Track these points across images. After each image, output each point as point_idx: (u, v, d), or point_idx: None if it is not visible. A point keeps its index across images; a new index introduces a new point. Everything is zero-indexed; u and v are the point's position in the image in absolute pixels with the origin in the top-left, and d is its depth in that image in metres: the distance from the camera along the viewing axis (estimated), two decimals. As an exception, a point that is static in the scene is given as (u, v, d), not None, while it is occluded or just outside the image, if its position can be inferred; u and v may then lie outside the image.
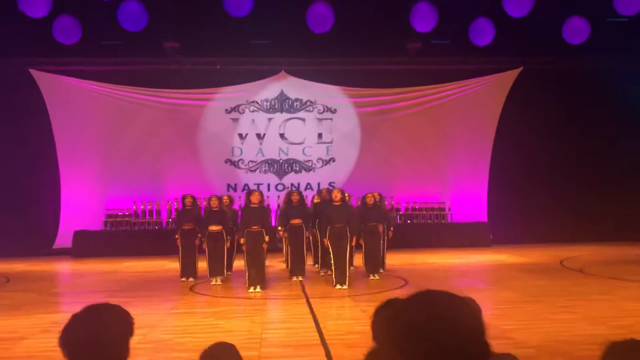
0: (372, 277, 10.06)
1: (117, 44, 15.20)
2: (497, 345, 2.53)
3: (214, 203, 10.03)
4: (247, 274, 9.17)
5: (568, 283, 9.34)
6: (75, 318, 1.82)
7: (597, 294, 8.27)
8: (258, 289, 9.05)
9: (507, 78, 16.45)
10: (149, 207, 15.86)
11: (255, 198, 9.34)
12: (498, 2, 12.58)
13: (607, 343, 1.74)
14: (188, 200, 10.50)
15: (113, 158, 15.89)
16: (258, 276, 9.14)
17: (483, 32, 13.94)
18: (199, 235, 10.19)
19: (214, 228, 9.89)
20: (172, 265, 12.44)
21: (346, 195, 10.07)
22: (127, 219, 15.74)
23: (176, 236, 10.44)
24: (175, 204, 15.65)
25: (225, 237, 9.97)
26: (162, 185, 15.98)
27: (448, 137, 16.63)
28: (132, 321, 1.87)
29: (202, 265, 10.39)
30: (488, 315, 7.04)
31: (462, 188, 16.60)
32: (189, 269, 10.29)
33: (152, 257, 13.95)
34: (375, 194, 10.64)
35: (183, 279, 10.22)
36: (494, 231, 15.89)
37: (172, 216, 15.17)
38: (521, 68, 16.26)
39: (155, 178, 15.95)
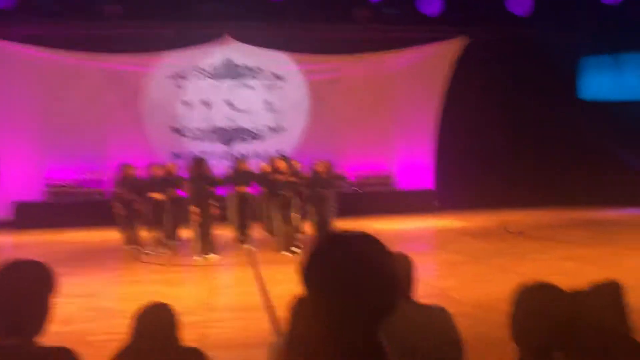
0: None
1: (54, 6, 14.50)
2: (436, 302, 2.62)
3: (158, 171, 9.83)
4: (197, 242, 9.21)
5: (507, 245, 9.71)
6: None
7: (532, 253, 8.64)
8: (210, 254, 9.11)
9: (453, 47, 16.64)
10: (90, 176, 15.41)
11: (205, 167, 9.38)
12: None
13: (519, 287, 1.83)
14: (129, 170, 10.24)
15: (52, 126, 15.28)
16: (208, 243, 9.19)
17: (431, 2, 14.04)
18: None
19: (157, 196, 9.71)
20: (118, 235, 12.22)
21: (297, 163, 10.12)
22: (69, 188, 15.27)
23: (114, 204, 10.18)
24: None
25: (170, 205, 9.82)
26: (104, 154, 15.50)
27: (395, 105, 16.77)
28: (52, 278, 1.83)
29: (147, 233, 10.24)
30: (429, 275, 7.27)
31: (410, 156, 16.84)
32: (133, 238, 10.13)
33: (96, 228, 13.61)
34: (325, 162, 10.68)
35: (126, 247, 10.05)
36: (440, 198, 16.26)
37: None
38: (466, 37, 16.47)
39: (97, 147, 15.45)
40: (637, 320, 2.33)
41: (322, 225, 10.43)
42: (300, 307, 1.89)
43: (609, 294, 2.47)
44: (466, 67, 16.43)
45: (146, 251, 9.84)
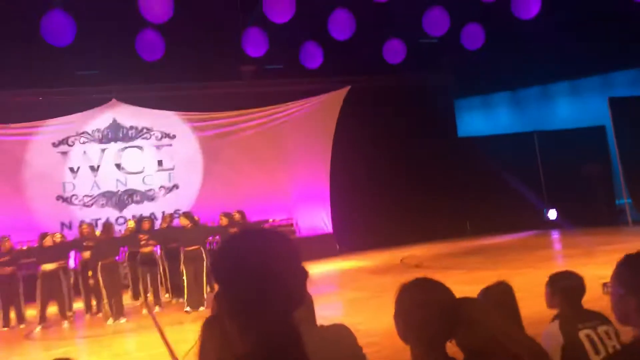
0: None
1: None
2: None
3: (48, 240, 9.33)
4: (104, 308, 8.92)
5: (407, 277, 10.04)
6: None
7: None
8: (122, 320, 8.83)
9: (338, 96, 17.42)
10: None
11: (109, 231, 9.32)
12: (324, 27, 13.37)
13: (400, 285, 1.97)
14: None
15: None
16: (117, 307, 8.91)
17: (312, 56, 14.64)
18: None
19: (48, 267, 9.17)
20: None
21: (195, 217, 10.04)
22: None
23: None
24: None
25: (61, 276, 9.29)
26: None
27: (288, 155, 17.13)
28: None
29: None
30: (336, 314, 7.40)
31: (307, 202, 17.15)
32: (16, 316, 9.44)
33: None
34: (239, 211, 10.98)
35: (6, 329, 9.30)
36: (339, 240, 16.63)
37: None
38: (348, 87, 17.33)
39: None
40: (527, 327, 2.55)
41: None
42: (209, 327, 1.94)
43: (500, 293, 2.71)
44: (351, 114, 17.21)
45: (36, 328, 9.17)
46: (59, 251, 9.44)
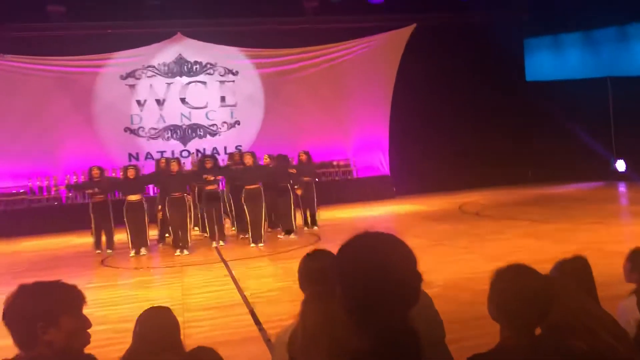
0: (281, 237, 10.31)
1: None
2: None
3: (131, 173, 9.75)
4: (172, 239, 9.43)
5: (467, 226, 10.07)
6: (8, 298, 1.80)
7: (492, 233, 9.02)
8: (185, 252, 9.30)
9: (402, 34, 16.93)
10: (45, 182, 15.03)
11: (174, 166, 9.53)
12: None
13: (495, 270, 2.02)
14: (95, 172, 10.13)
15: (1, 133, 14.80)
16: (183, 240, 9.35)
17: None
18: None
19: (133, 198, 9.64)
20: (78, 240, 12.06)
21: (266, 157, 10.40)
22: (22, 196, 14.86)
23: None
24: (75, 177, 14.98)
25: (144, 207, 9.76)
26: (57, 159, 15.15)
27: (349, 94, 16.98)
28: (80, 293, 1.88)
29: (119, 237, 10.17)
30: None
31: (365, 144, 17.12)
32: (107, 241, 10.07)
33: (54, 234, 13.35)
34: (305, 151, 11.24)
35: (97, 252, 9.96)
36: (397, 183, 16.63)
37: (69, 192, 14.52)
38: (414, 25, 16.79)
39: (50, 151, 15.06)
40: (600, 290, 2.56)
41: (311, 214, 10.84)
42: (311, 301, 2.02)
43: (578, 269, 2.70)
44: (416, 53, 16.76)
45: (114, 255, 9.78)
46: (142, 183, 9.91)
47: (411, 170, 16.87)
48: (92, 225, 10.08)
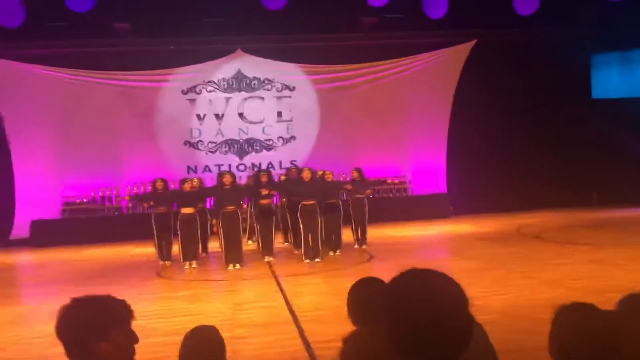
0: (333, 254, 10.20)
1: (63, 26, 14.67)
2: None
3: (187, 186, 9.96)
4: (224, 253, 9.46)
5: (526, 249, 9.70)
6: (61, 311, 1.84)
7: (554, 258, 8.63)
8: (237, 266, 9.40)
9: (462, 51, 16.67)
10: (107, 192, 15.56)
11: (227, 179, 9.61)
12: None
13: (556, 306, 1.89)
14: (159, 184, 10.39)
15: (68, 144, 15.47)
16: (236, 253, 9.44)
17: (436, 5, 14.10)
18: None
19: (186, 211, 9.82)
20: (137, 250, 12.37)
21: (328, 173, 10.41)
22: (85, 205, 15.42)
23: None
24: (135, 188, 15.44)
25: (198, 220, 9.93)
26: (120, 170, 15.69)
27: (406, 111, 16.82)
28: (128, 308, 1.90)
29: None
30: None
31: (422, 161, 16.88)
32: (165, 253, 10.28)
33: (114, 244, 13.76)
34: (357, 168, 11.16)
35: (161, 263, 10.18)
36: (453, 202, 16.27)
37: (131, 202, 15.03)
38: (475, 41, 16.50)
39: (113, 163, 15.63)
40: None
41: (362, 231, 10.70)
42: (354, 342, 1.93)
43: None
44: (475, 70, 16.45)
45: (170, 267, 9.97)
46: (196, 196, 10.07)
47: (469, 189, 16.48)
48: (155, 236, 10.29)
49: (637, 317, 2.33)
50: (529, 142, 16.79)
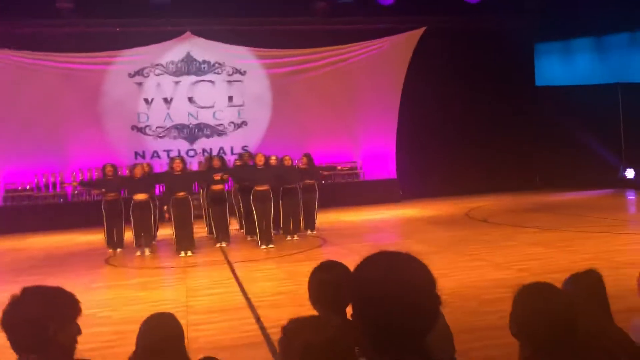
0: (290, 238, 10.24)
1: (2, 4, 13.98)
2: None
3: (138, 171, 9.71)
4: (175, 240, 9.33)
5: (474, 232, 9.97)
6: (14, 301, 1.81)
7: (500, 241, 8.91)
8: (189, 253, 9.25)
9: (411, 38, 16.85)
10: (52, 179, 15.03)
11: (177, 165, 9.45)
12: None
13: (517, 286, 1.96)
14: (109, 169, 10.11)
15: (7, 129, 14.80)
16: (187, 240, 9.30)
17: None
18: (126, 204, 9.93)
19: (139, 197, 9.59)
20: (83, 238, 12.05)
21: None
22: (28, 192, 14.86)
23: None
24: (81, 174, 14.98)
25: (151, 206, 9.71)
26: (64, 156, 15.15)
27: (357, 96, 16.92)
28: (77, 303, 1.89)
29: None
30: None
31: (372, 146, 17.04)
32: (116, 240, 10.04)
33: (59, 232, 13.35)
34: (307, 154, 11.01)
35: (110, 251, 9.92)
36: (403, 187, 16.54)
37: (78, 189, 14.59)
38: (424, 28, 16.70)
39: (57, 148, 15.07)
40: (611, 303, 2.47)
41: (309, 217, 10.63)
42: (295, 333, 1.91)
43: (592, 284, 2.62)
44: (423, 57, 16.68)
45: (118, 254, 9.74)
46: (149, 182, 9.85)
47: (418, 174, 16.79)
48: (104, 223, 10.03)
49: (582, 296, 2.46)
50: (476, 127, 17.21)
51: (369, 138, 17.00)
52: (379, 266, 1.30)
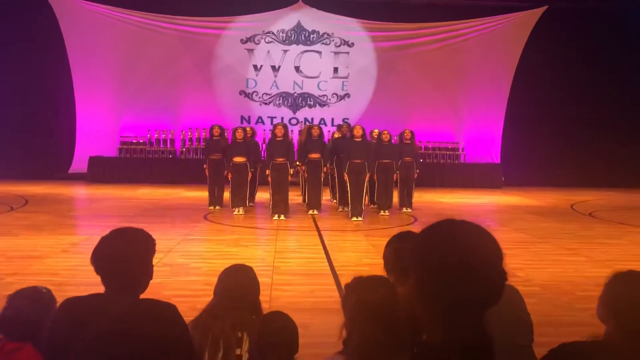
0: (383, 213, 10.21)
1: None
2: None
3: (239, 134, 10.07)
4: (271, 203, 9.60)
5: (577, 226, 9.43)
6: (104, 239, 1.95)
7: (604, 238, 8.37)
8: (282, 217, 9.53)
9: (531, 17, 15.97)
10: (162, 135, 15.95)
11: (279, 131, 9.69)
12: None
13: (612, 272, 1.88)
14: (216, 131, 10.58)
15: (128, 85, 15.86)
16: (282, 205, 9.54)
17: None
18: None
19: (238, 159, 9.97)
20: (188, 193, 12.73)
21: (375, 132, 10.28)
22: (141, 146, 15.89)
23: (204, 166, 10.61)
24: (190, 133, 15.77)
25: (248, 169, 10.06)
26: (176, 114, 16.03)
27: (466, 76, 16.37)
28: (153, 242, 2.00)
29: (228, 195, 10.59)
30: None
31: (477, 128, 16.49)
32: (216, 198, 10.51)
33: (165, 185, 14.20)
34: (409, 130, 10.93)
35: (211, 208, 10.44)
36: (506, 173, 15.91)
37: (186, 145, 15.44)
38: (545, 7, 15.75)
39: (170, 107, 15.96)
40: None
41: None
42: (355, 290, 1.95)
43: None
44: (542, 39, 15.77)
45: (219, 211, 10.21)
46: (248, 146, 10.17)
47: (523, 161, 16.06)
48: (208, 182, 10.51)
49: None
50: (589, 117, 16.12)
51: (474, 120, 16.44)
52: (444, 233, 1.26)
